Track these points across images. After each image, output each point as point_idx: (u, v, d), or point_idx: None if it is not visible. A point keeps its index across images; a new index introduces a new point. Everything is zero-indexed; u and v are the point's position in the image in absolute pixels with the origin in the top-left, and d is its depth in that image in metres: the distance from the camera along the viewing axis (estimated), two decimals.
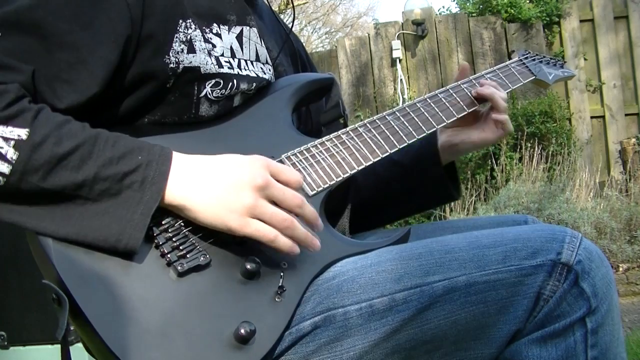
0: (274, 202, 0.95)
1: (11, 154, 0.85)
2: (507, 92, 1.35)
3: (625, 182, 5.46)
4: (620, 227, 4.63)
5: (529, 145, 5.33)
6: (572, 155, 5.51)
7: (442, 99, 1.28)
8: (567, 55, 6.18)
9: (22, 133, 0.86)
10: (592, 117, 6.16)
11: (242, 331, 0.89)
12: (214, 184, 0.92)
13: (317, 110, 1.29)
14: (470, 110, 1.30)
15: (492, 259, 0.97)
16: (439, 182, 1.36)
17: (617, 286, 4.15)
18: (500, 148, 5.43)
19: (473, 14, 6.40)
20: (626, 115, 6.14)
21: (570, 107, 6.09)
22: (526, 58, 1.47)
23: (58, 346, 1.96)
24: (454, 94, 1.30)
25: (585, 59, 6.19)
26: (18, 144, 0.85)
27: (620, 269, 4.44)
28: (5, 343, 2.09)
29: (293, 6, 1.27)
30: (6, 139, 0.85)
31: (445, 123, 1.26)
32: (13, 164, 0.85)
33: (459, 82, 1.32)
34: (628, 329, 3.33)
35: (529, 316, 0.97)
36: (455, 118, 1.27)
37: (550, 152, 5.36)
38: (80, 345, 1.05)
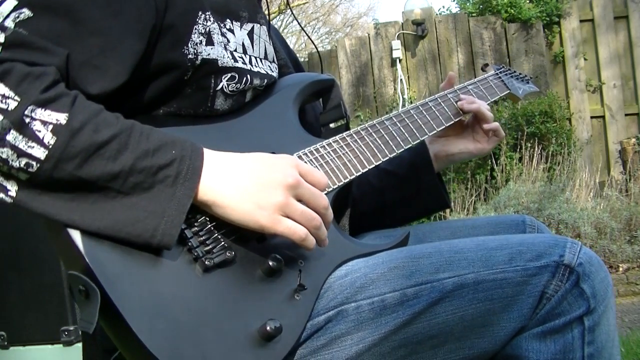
0: (301, 202, 0.96)
1: (48, 138, 0.82)
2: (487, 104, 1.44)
3: (625, 182, 5.47)
4: (620, 227, 4.63)
5: (529, 145, 5.34)
6: (572, 155, 5.52)
7: (432, 107, 1.35)
8: (567, 55, 6.18)
9: (61, 117, 0.83)
10: (592, 117, 6.17)
11: (269, 328, 0.90)
12: (246, 181, 0.93)
13: (313, 111, 1.30)
14: (456, 120, 1.38)
15: (499, 260, 1.01)
16: (433, 189, 1.41)
17: (617, 286, 4.16)
18: (500, 148, 5.43)
19: (473, 14, 6.41)
20: (626, 115, 6.15)
21: (570, 107, 6.09)
22: (501, 72, 1.57)
23: (58, 346, 1.97)
24: (442, 103, 1.37)
25: (585, 59, 6.19)
26: (56, 129, 0.83)
27: (620, 269, 4.44)
28: (5, 343, 2.09)
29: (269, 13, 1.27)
30: (44, 123, 0.82)
31: (435, 131, 1.32)
32: (50, 148, 0.82)
33: (446, 92, 1.40)
34: (628, 329, 3.33)
35: (532, 314, 1.01)
36: (444, 127, 1.34)
37: (550, 152, 5.37)
38: (79, 345, 1.05)
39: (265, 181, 0.93)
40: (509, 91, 1.53)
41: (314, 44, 1.50)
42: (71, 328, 1.89)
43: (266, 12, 1.23)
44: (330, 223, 1.01)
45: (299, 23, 1.55)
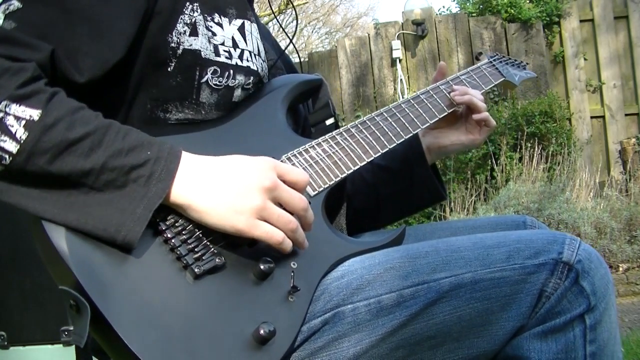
0: (279, 204, 0.96)
1: (20, 133, 0.84)
2: (482, 93, 1.41)
3: (625, 182, 5.47)
4: (620, 227, 4.64)
5: (529, 145, 5.34)
6: (572, 155, 5.52)
7: (424, 100, 1.33)
8: (567, 55, 6.18)
9: (35, 114, 0.85)
10: (592, 117, 6.17)
11: (262, 332, 0.89)
12: (222, 185, 0.93)
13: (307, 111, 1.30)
14: (449, 111, 1.35)
15: (496, 258, 1.00)
16: (427, 182, 1.39)
17: (617, 286, 4.17)
18: (500, 148, 5.43)
19: (473, 14, 6.41)
20: (626, 115, 6.15)
21: (570, 107, 6.10)
22: (495, 60, 1.53)
23: (58, 346, 1.96)
24: (434, 95, 1.34)
25: (585, 59, 6.19)
26: (29, 124, 0.84)
27: (620, 269, 4.45)
28: (5, 343, 2.09)
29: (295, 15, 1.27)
30: (17, 118, 0.84)
31: (428, 124, 1.30)
32: (21, 143, 0.84)
33: (438, 84, 1.37)
34: (628, 328, 3.34)
35: (531, 313, 1.00)
36: (437, 119, 1.32)
37: (550, 152, 5.37)
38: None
39: (241, 185, 0.93)
40: (504, 78, 1.49)
41: (294, 46, 1.49)
42: (71, 328, 1.88)
43: (261, 12, 1.23)
44: (311, 226, 1.00)
45: (280, 25, 1.54)
